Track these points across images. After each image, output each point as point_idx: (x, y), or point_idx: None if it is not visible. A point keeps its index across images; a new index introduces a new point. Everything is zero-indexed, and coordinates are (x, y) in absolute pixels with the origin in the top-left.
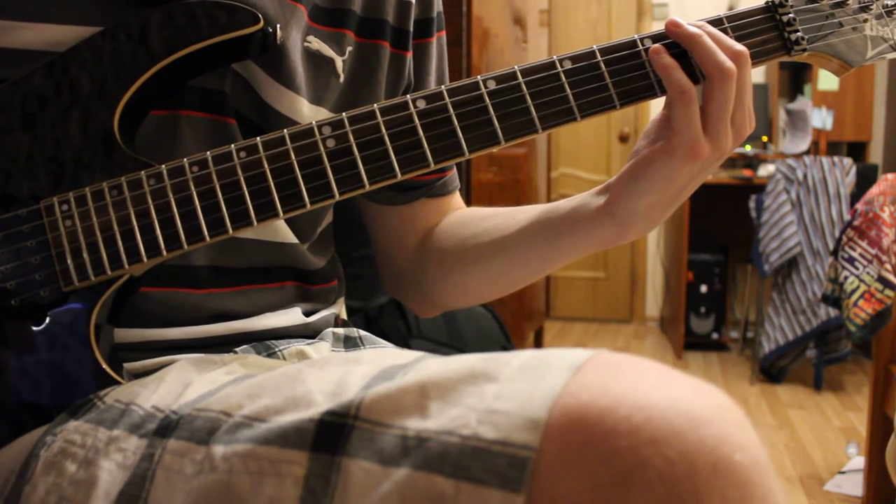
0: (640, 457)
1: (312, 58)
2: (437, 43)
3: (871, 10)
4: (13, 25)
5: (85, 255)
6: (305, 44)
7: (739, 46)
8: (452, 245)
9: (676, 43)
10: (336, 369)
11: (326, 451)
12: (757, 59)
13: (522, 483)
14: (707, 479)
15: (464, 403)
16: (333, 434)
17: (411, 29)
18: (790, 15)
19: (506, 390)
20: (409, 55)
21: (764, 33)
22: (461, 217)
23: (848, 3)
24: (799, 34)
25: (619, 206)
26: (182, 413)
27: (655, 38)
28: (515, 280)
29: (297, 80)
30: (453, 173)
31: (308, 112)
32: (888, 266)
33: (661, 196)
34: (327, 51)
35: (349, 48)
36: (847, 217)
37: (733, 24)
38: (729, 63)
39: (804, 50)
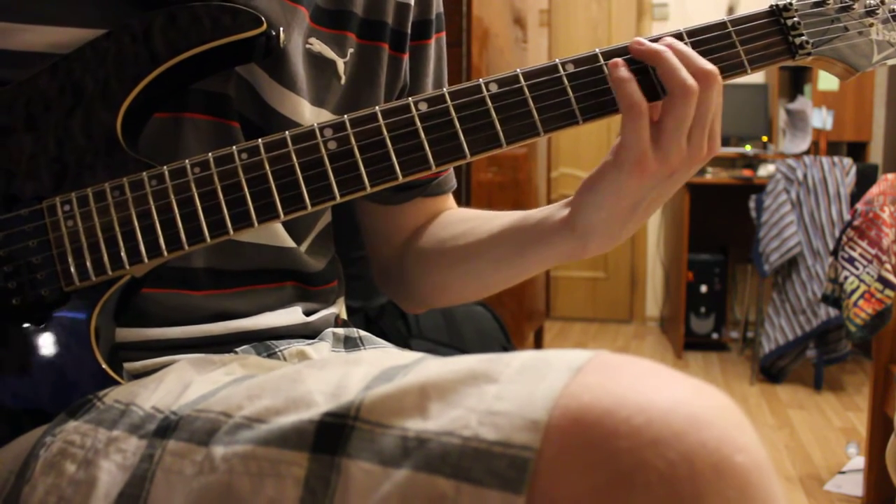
0: (640, 458)
1: (314, 60)
2: (436, 45)
3: (878, 14)
4: (16, 28)
5: (86, 255)
6: (307, 46)
7: (709, 66)
8: (431, 246)
9: None
10: (336, 370)
11: (326, 451)
12: (761, 62)
13: (523, 484)
14: (708, 481)
15: (464, 404)
16: (333, 435)
17: (409, 31)
18: (795, 19)
19: (506, 391)
20: (405, 57)
21: (768, 37)
22: (445, 218)
23: (854, 7)
24: (804, 38)
25: (578, 220)
26: (182, 414)
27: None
28: (488, 284)
29: (298, 82)
30: (449, 174)
31: (309, 114)
32: (888, 266)
33: (614, 210)
34: (329, 53)
35: (350, 50)
36: (847, 217)
37: (737, 27)
38: (691, 80)
39: (809, 54)
